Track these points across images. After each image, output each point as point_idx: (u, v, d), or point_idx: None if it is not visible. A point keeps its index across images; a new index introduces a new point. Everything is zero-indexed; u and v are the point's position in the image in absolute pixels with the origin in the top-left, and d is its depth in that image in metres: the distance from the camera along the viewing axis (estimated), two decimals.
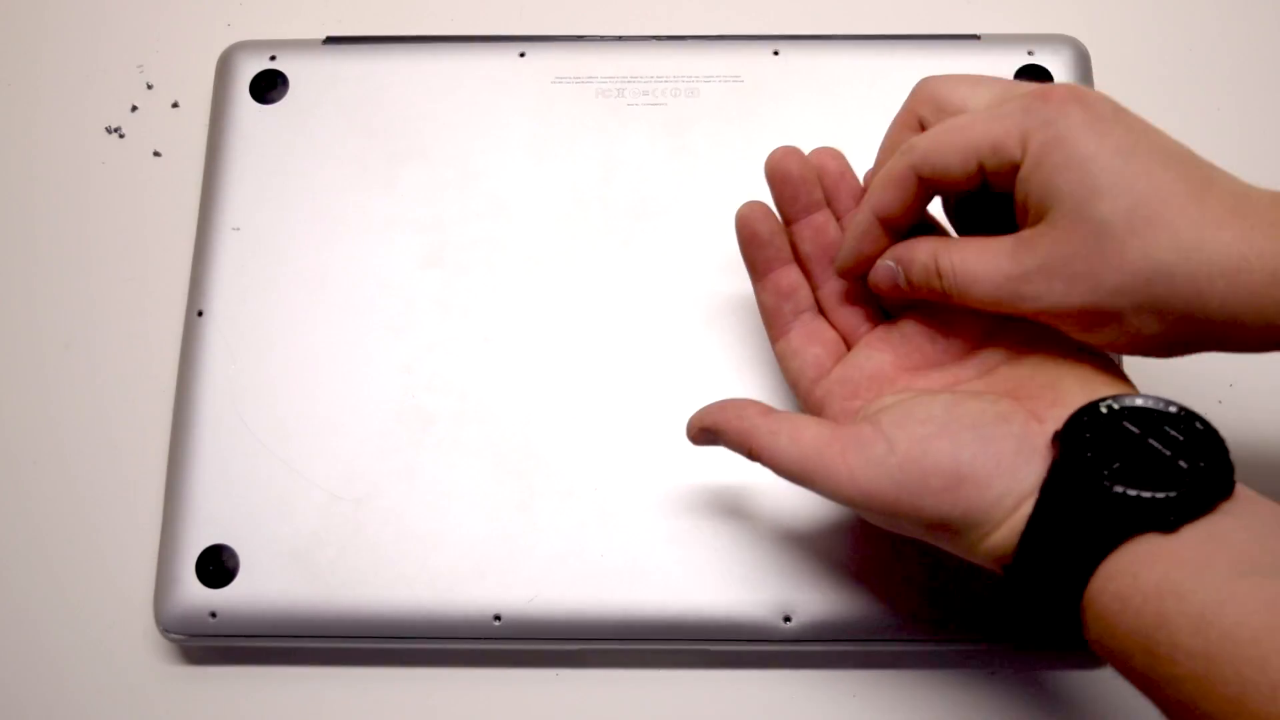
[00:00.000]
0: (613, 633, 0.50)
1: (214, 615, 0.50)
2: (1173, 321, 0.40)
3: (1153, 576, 0.36)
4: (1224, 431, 0.54)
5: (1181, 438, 0.40)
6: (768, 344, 0.52)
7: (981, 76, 0.44)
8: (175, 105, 0.61)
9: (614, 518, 0.50)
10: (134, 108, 0.61)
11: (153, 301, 0.57)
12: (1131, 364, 0.53)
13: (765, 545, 0.50)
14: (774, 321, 0.47)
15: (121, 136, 0.60)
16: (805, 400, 0.46)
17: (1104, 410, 0.40)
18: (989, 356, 0.44)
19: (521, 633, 0.50)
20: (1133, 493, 0.38)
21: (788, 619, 0.49)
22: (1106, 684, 0.52)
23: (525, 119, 0.56)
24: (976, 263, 0.42)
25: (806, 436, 0.43)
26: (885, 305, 0.47)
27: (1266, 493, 0.53)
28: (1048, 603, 0.39)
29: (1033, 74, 0.56)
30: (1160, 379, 0.55)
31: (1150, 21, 0.61)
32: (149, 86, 0.61)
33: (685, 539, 0.50)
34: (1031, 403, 0.42)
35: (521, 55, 0.57)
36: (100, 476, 0.55)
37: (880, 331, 0.46)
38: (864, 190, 0.46)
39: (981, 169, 0.41)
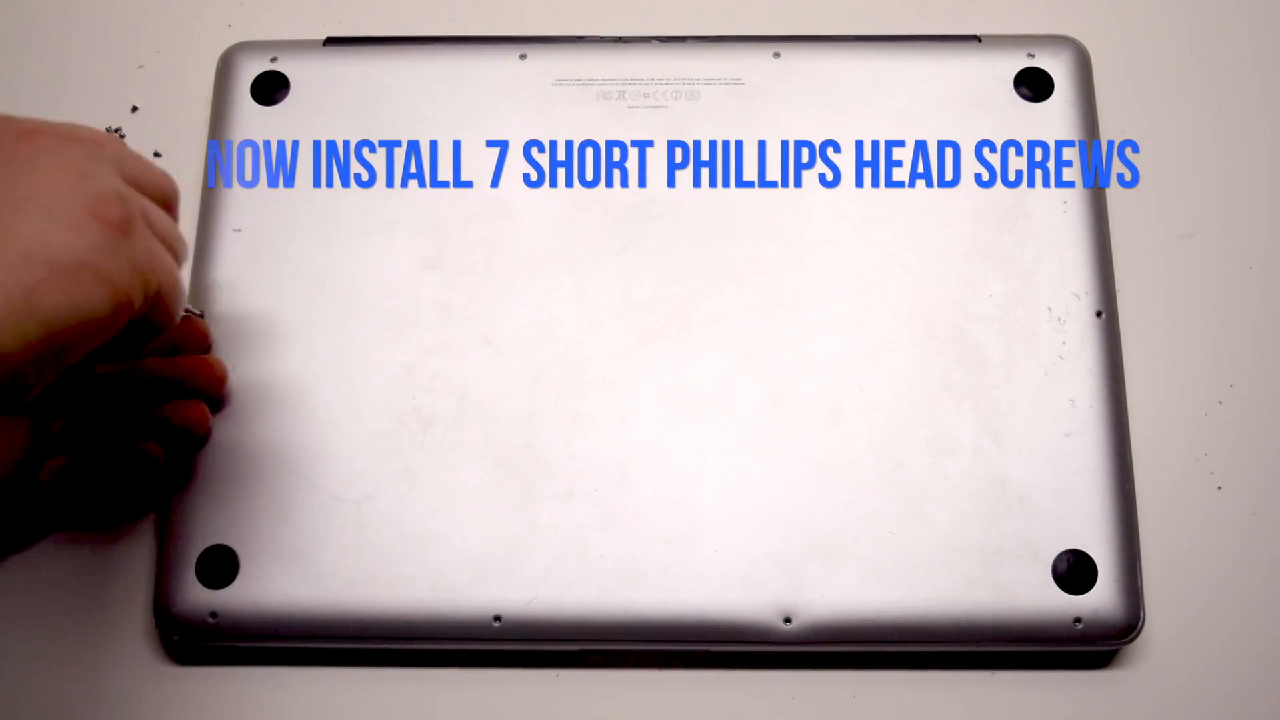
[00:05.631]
0: (613, 634, 0.50)
1: (214, 616, 0.50)
2: None
3: None
4: (1224, 432, 0.54)
5: None
6: (767, 345, 0.52)
7: None
8: (175, 106, 0.61)
9: (614, 519, 0.50)
10: (134, 108, 0.61)
11: None
12: (1133, 365, 0.54)
13: (765, 547, 0.50)
14: None
15: (122, 136, 0.60)
16: None
17: None
18: None
19: (521, 634, 0.50)
20: None
21: (788, 620, 0.49)
22: (1106, 684, 0.52)
23: (526, 121, 0.56)
24: None
25: None
26: None
27: (1267, 493, 0.54)
28: None
29: (1033, 76, 0.56)
30: (1159, 379, 0.55)
31: (1150, 22, 0.61)
32: (149, 87, 0.61)
33: (685, 540, 0.50)
34: None
35: (522, 57, 0.57)
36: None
37: None
38: None
39: None
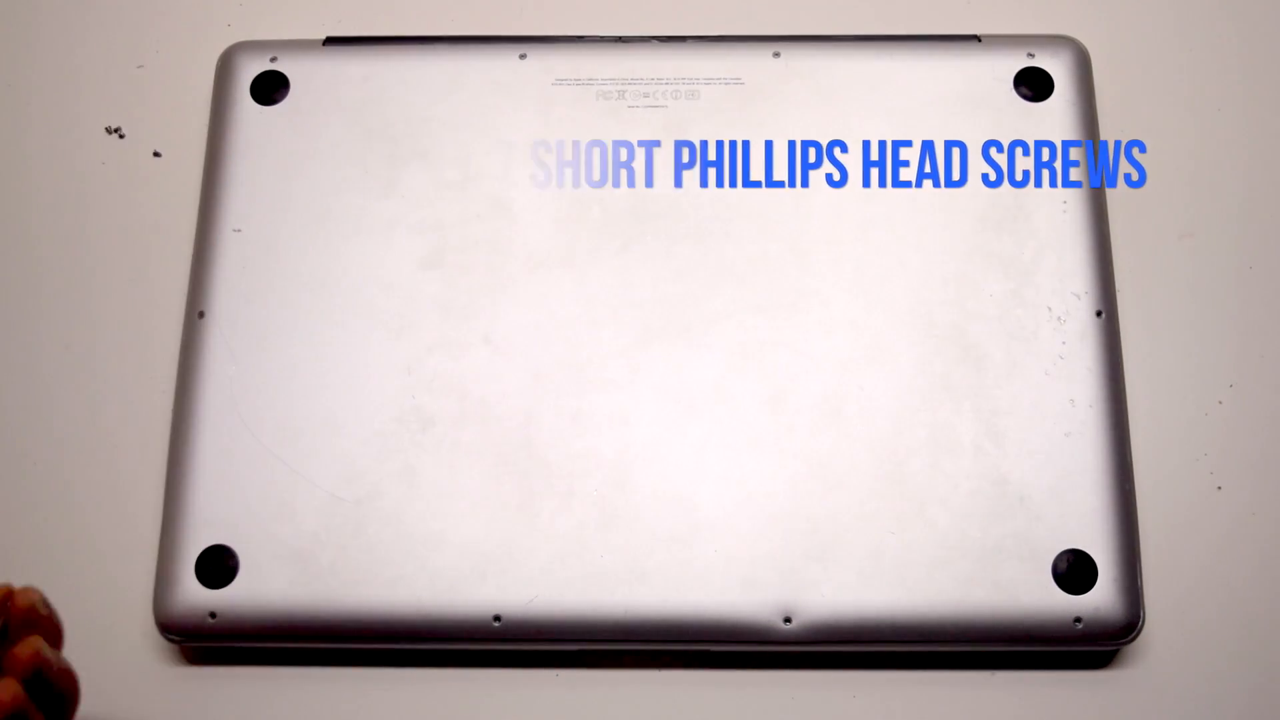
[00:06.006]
0: (612, 634, 0.50)
1: (214, 616, 0.50)
2: None
3: None
4: (1224, 432, 0.54)
5: None
6: (767, 345, 0.52)
7: None
8: (175, 106, 0.61)
9: (614, 518, 0.50)
10: (134, 108, 0.61)
11: (153, 302, 0.57)
12: (1133, 365, 0.54)
13: (765, 546, 0.50)
14: None
15: (121, 137, 0.60)
16: None
17: None
18: None
19: (521, 633, 0.50)
20: None
21: (788, 620, 0.49)
22: (1106, 684, 0.52)
23: (526, 121, 0.56)
24: None
25: None
26: None
27: (1267, 494, 0.54)
28: None
29: (1033, 76, 0.56)
30: (1159, 379, 0.55)
31: (1150, 22, 0.61)
32: (149, 87, 0.61)
33: (685, 540, 0.50)
34: None
35: (522, 57, 0.57)
36: (100, 477, 0.55)
37: None
38: None
39: None
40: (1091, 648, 0.50)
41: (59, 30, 0.62)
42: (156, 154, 0.60)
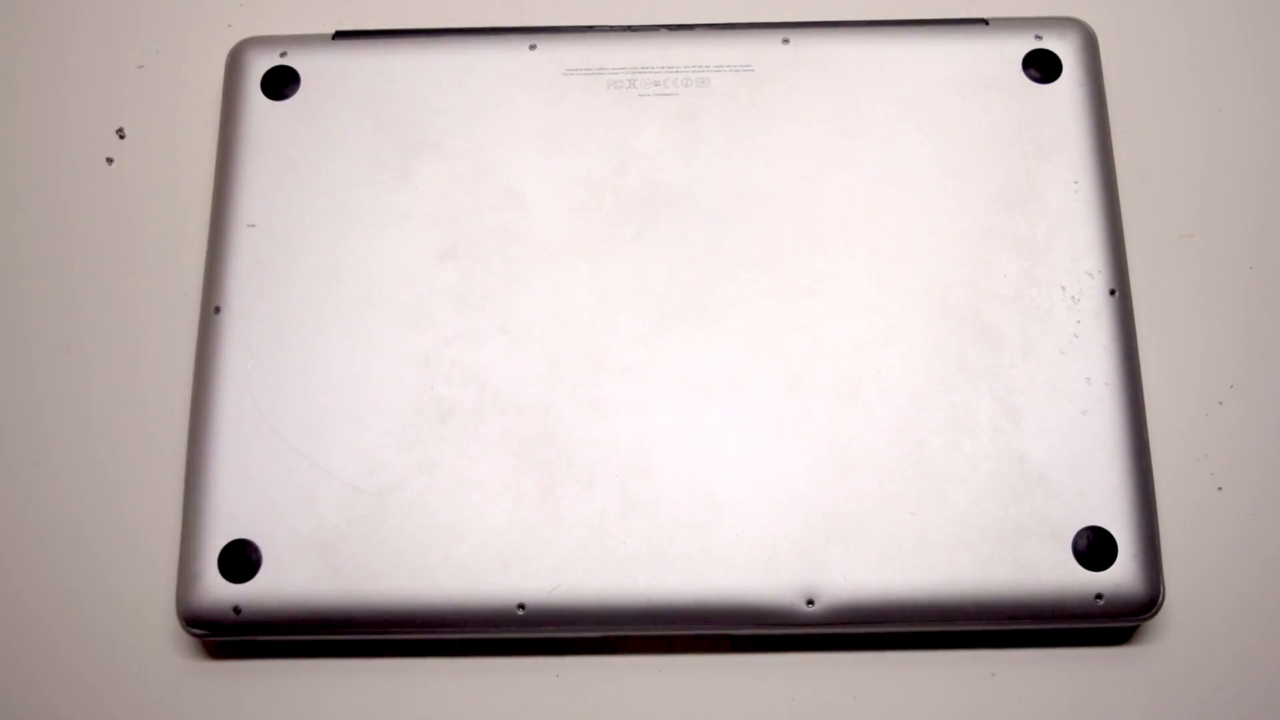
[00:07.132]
0: (636, 620, 0.50)
1: (237, 610, 0.50)
2: None
3: None
4: (1224, 432, 0.54)
5: None
6: (782, 331, 0.53)
7: None
8: (176, 105, 0.60)
9: (635, 505, 0.50)
10: (135, 108, 0.60)
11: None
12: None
13: (786, 529, 0.50)
14: None
15: (123, 137, 0.60)
16: None
17: None
18: None
19: (545, 621, 0.50)
20: None
21: (810, 602, 0.50)
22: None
23: (537, 111, 0.56)
24: None
25: None
26: None
27: (1267, 494, 0.54)
28: None
29: (1042, 58, 0.56)
30: (1159, 379, 0.55)
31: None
32: (149, 87, 0.61)
33: (707, 525, 0.50)
34: None
35: (532, 48, 0.57)
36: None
37: None
38: None
39: None
40: (1113, 624, 0.51)
41: (59, 30, 0.62)
42: (159, 155, 0.59)
